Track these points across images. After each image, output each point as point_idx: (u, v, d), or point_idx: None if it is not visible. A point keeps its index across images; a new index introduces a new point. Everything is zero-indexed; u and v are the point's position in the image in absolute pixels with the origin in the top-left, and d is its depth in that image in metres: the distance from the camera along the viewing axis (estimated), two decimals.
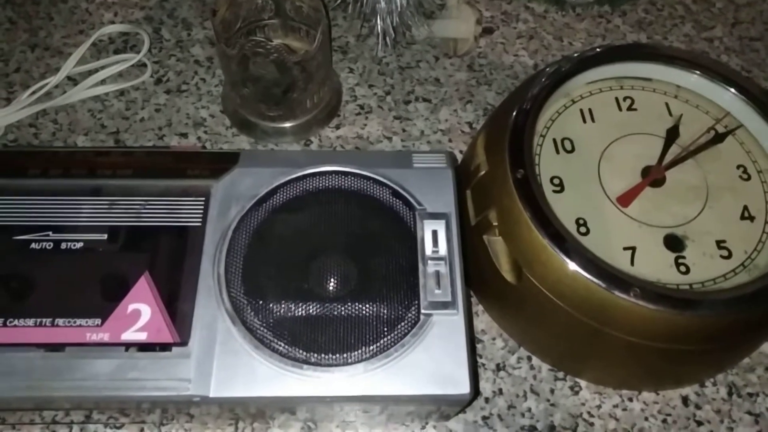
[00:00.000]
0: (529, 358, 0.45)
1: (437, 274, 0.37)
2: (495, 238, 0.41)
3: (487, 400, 0.44)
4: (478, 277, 0.45)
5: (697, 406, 0.44)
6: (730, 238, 0.41)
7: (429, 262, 0.37)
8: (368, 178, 0.40)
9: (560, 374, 0.45)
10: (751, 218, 0.42)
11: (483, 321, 0.47)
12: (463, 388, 0.34)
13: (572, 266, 0.37)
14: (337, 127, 0.55)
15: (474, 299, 0.48)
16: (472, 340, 0.45)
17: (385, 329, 0.35)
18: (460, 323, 0.35)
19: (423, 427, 0.42)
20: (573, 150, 0.44)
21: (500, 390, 0.44)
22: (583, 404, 0.44)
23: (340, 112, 0.56)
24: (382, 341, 0.35)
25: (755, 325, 0.39)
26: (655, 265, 0.40)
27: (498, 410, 0.43)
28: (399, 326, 0.35)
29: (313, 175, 0.40)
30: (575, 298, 0.38)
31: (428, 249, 0.38)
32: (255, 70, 0.47)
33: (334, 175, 0.40)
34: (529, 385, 0.44)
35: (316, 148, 0.54)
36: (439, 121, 0.56)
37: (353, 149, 0.54)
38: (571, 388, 0.44)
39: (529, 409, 0.43)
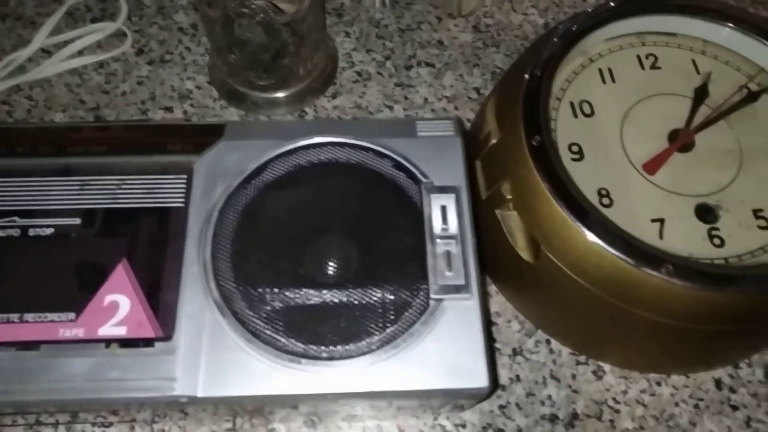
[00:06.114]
0: (548, 342, 0.43)
1: (448, 254, 0.34)
2: (509, 213, 0.39)
3: (503, 387, 0.41)
4: (490, 256, 0.42)
5: (732, 390, 0.42)
6: None
7: (438, 241, 0.34)
8: (368, 149, 0.37)
9: (582, 358, 0.43)
10: None
11: (497, 302, 0.44)
12: (481, 380, 0.31)
13: (596, 241, 0.35)
14: (334, 97, 0.52)
15: (487, 279, 0.45)
16: (488, 326, 0.42)
17: (392, 317, 0.33)
18: (475, 308, 0.33)
19: (435, 419, 0.40)
20: (592, 113, 0.41)
21: (517, 377, 0.42)
22: (608, 390, 0.42)
23: (336, 80, 0.53)
24: (388, 331, 0.32)
25: None
26: (686, 238, 0.37)
27: (516, 398, 0.41)
28: (407, 313, 0.33)
29: (307, 147, 0.37)
30: (599, 275, 0.35)
31: (437, 226, 0.35)
32: (241, 33, 0.44)
33: (329, 146, 0.37)
34: (549, 371, 0.42)
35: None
36: (443, 87, 0.53)
37: (351, 119, 0.51)
38: (594, 372, 0.42)
39: (550, 397, 0.41)
